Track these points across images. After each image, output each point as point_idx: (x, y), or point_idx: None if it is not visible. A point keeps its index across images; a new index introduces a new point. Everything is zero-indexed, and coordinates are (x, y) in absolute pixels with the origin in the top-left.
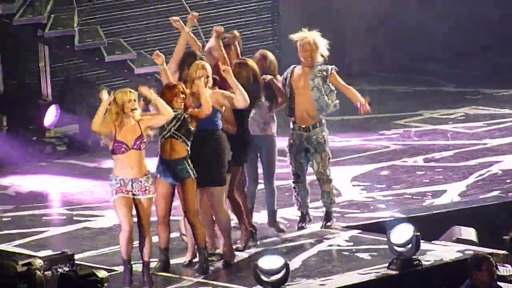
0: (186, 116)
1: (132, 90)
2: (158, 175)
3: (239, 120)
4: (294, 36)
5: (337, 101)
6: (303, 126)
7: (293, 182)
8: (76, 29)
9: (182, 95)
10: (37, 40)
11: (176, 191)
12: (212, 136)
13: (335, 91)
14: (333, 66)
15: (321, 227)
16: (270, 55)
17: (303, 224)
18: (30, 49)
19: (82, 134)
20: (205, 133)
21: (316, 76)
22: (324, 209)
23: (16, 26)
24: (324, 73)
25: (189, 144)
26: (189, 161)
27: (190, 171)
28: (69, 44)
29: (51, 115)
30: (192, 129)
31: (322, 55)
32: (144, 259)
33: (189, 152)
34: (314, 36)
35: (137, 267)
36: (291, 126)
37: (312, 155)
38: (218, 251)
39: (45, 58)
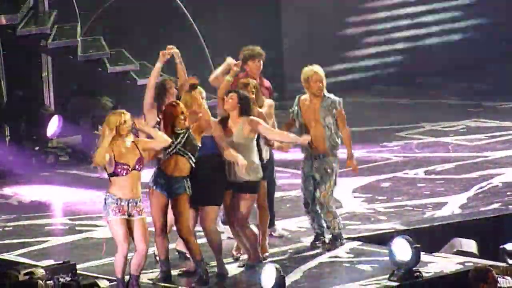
0: (190, 132)
1: (125, 112)
2: (154, 187)
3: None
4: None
5: (333, 165)
6: (315, 154)
7: (305, 211)
8: (79, 39)
9: (183, 115)
10: (41, 51)
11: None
12: (210, 159)
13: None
14: (341, 100)
15: (325, 249)
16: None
17: (318, 244)
18: (33, 60)
19: (84, 145)
20: (203, 158)
21: (328, 115)
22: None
23: (20, 37)
24: (334, 109)
25: (193, 161)
26: (188, 180)
27: (187, 188)
28: (72, 55)
29: (53, 126)
30: (197, 144)
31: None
32: (132, 272)
33: (191, 172)
34: (321, 70)
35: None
36: (304, 152)
37: (317, 183)
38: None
39: (48, 69)
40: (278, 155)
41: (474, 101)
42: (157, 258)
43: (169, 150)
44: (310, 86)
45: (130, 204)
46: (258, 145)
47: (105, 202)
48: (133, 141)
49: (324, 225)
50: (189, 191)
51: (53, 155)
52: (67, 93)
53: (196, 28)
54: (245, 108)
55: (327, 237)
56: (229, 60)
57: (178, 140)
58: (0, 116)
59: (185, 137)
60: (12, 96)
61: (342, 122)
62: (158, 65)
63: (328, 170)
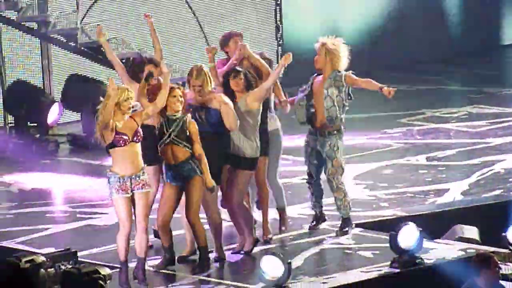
0: (184, 119)
1: (130, 89)
2: (168, 181)
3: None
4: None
5: (344, 115)
6: (320, 130)
7: (307, 181)
8: (79, 26)
9: (181, 99)
10: (41, 38)
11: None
12: (212, 137)
13: (347, 107)
14: (346, 73)
15: (336, 234)
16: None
17: (316, 224)
18: (34, 47)
19: (85, 132)
20: (206, 134)
21: (331, 86)
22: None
23: (20, 24)
24: (339, 82)
25: (190, 147)
26: (194, 159)
27: (196, 168)
28: (73, 42)
29: (54, 113)
30: (190, 136)
31: (337, 63)
32: (139, 255)
33: (191, 152)
34: (330, 42)
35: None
36: (310, 127)
37: (324, 160)
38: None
39: (48, 56)
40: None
41: (475, 87)
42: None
43: (164, 139)
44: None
45: (132, 180)
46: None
47: (108, 181)
48: (130, 116)
49: (323, 205)
50: (200, 171)
51: (54, 142)
52: (67, 80)
53: (195, 14)
54: (249, 85)
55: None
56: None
57: (172, 129)
58: (1, 103)
59: (179, 125)
60: (13, 84)
61: (358, 79)
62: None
63: (333, 146)
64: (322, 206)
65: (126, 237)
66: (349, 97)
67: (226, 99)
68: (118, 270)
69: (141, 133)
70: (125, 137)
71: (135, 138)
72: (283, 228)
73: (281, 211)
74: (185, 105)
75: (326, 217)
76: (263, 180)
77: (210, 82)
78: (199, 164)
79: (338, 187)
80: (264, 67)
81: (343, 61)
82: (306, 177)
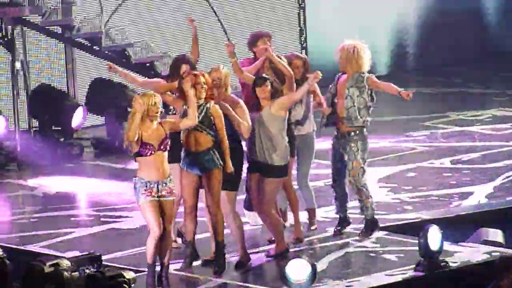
0: (208, 106)
1: (156, 94)
2: (185, 168)
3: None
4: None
5: (369, 119)
6: (342, 132)
7: (331, 185)
8: (103, 30)
9: (204, 86)
10: (65, 42)
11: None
12: (230, 143)
13: (371, 108)
14: (370, 75)
15: (359, 235)
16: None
17: (340, 228)
18: (58, 51)
19: (109, 136)
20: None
21: (353, 86)
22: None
23: (44, 28)
24: (361, 83)
25: (214, 135)
26: (216, 150)
27: (216, 160)
28: (97, 46)
29: (78, 117)
30: (217, 118)
31: (360, 65)
32: (164, 261)
33: (215, 142)
34: (354, 44)
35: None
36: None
37: (346, 163)
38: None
39: (72, 60)
40: None
41: (499, 90)
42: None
43: None
44: None
45: (159, 186)
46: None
47: (134, 187)
48: (159, 122)
49: (348, 206)
50: (220, 163)
51: (78, 146)
52: (91, 84)
53: (220, 20)
54: (275, 92)
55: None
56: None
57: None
58: (25, 107)
59: (203, 111)
60: (37, 88)
61: (380, 82)
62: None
63: (352, 148)
64: (346, 210)
65: (155, 241)
66: (372, 99)
67: (230, 108)
68: (143, 273)
69: (169, 142)
70: (150, 147)
71: (161, 147)
72: (312, 227)
73: (311, 211)
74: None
75: (350, 221)
76: (289, 182)
77: (228, 86)
78: (222, 148)
79: (359, 188)
80: (286, 70)
81: (366, 63)
82: (331, 180)
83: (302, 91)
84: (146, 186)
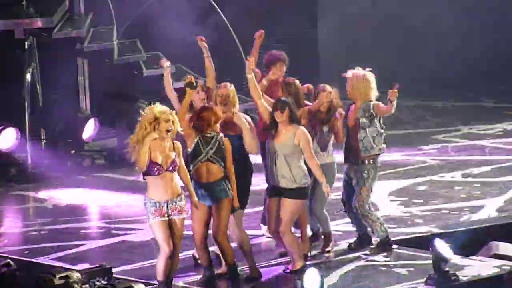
0: (220, 137)
1: (173, 112)
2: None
3: None
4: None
5: (384, 145)
6: (354, 159)
7: (344, 211)
8: (115, 42)
9: (217, 119)
10: (76, 54)
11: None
12: (237, 161)
13: (384, 134)
14: (374, 103)
15: (370, 250)
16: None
17: (354, 246)
18: (69, 63)
19: (120, 147)
20: (233, 159)
21: (363, 116)
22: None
23: (56, 40)
24: (369, 112)
25: (224, 166)
26: (227, 181)
27: (228, 190)
28: (108, 58)
29: (89, 129)
30: (227, 149)
31: (368, 94)
32: (159, 278)
33: (225, 173)
34: (360, 73)
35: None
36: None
37: (354, 187)
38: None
39: (84, 72)
40: None
41: (510, 104)
42: (198, 260)
43: (201, 157)
44: None
45: (169, 205)
46: None
47: (144, 206)
48: (173, 142)
49: (367, 227)
50: (230, 193)
51: (89, 158)
52: (103, 96)
53: (232, 31)
54: (293, 116)
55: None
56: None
57: (209, 147)
58: (36, 119)
59: (216, 143)
60: (48, 100)
61: (385, 108)
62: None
63: (364, 174)
64: (365, 227)
65: (165, 259)
66: (382, 127)
67: (245, 121)
68: (152, 286)
69: (178, 163)
70: (158, 167)
71: (170, 168)
72: (327, 254)
73: (328, 235)
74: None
75: (372, 239)
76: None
77: (236, 103)
78: (229, 182)
79: (364, 215)
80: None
81: (374, 91)
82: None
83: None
84: (156, 206)
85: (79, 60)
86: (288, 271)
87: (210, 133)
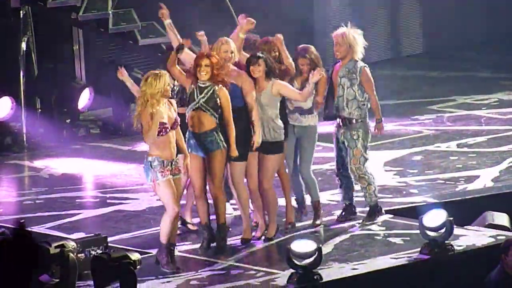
0: (216, 89)
1: (165, 72)
2: (190, 150)
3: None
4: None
5: (355, 113)
6: (343, 120)
7: (335, 174)
8: (110, 12)
9: (208, 67)
10: (71, 23)
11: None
12: (240, 113)
13: (363, 104)
14: (365, 65)
15: (363, 221)
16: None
17: (345, 215)
18: (64, 32)
19: (116, 117)
20: (234, 110)
21: (345, 76)
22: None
23: (50, 9)
24: (353, 75)
25: (217, 117)
26: (219, 132)
27: (219, 142)
28: (103, 28)
29: (85, 98)
30: (224, 101)
31: (355, 53)
32: (164, 241)
33: (218, 124)
34: (347, 31)
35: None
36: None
37: (347, 150)
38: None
39: (79, 41)
40: None
41: (506, 74)
42: (188, 225)
43: (192, 105)
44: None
45: (172, 165)
46: (282, 105)
47: (150, 166)
48: (169, 101)
49: (354, 196)
50: (223, 145)
51: (84, 127)
52: (98, 66)
53: (230, 5)
54: (271, 72)
55: (359, 210)
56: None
57: (202, 95)
58: (31, 89)
59: (209, 93)
60: (43, 69)
61: (368, 89)
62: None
63: (354, 136)
64: (352, 198)
65: (173, 220)
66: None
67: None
68: (148, 255)
69: (179, 120)
70: (166, 125)
71: (174, 126)
72: (317, 221)
73: (316, 203)
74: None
75: (356, 210)
76: (282, 167)
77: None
78: (228, 132)
79: (360, 176)
80: (287, 60)
81: (361, 50)
82: (335, 170)
83: (304, 95)
84: (163, 165)
85: (74, 30)
86: (264, 238)
87: (204, 83)
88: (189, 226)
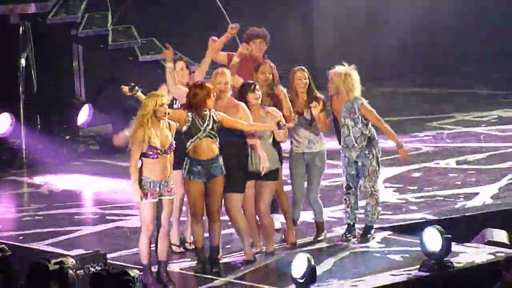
0: (213, 112)
1: (163, 94)
2: (191, 177)
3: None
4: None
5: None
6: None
7: (345, 193)
8: (110, 28)
9: (213, 97)
10: (71, 40)
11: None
12: (234, 146)
13: (370, 135)
14: (362, 101)
15: (357, 240)
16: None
17: (349, 236)
18: (64, 49)
19: (115, 134)
20: (227, 144)
21: (347, 116)
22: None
23: (50, 25)
24: (354, 114)
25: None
26: (221, 158)
27: (222, 167)
28: (103, 44)
29: (84, 115)
30: (223, 124)
31: (351, 92)
32: (162, 258)
33: (220, 150)
34: (344, 70)
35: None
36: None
37: (360, 168)
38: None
39: (78, 58)
40: None
41: (506, 91)
42: (185, 244)
43: (199, 134)
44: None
45: (161, 186)
46: None
47: (137, 185)
48: (169, 123)
49: (357, 216)
50: (223, 170)
51: (84, 144)
52: (97, 82)
53: (227, 17)
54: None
55: (357, 227)
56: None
57: (206, 123)
58: (30, 105)
59: (211, 118)
60: (43, 85)
61: (374, 122)
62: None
63: (369, 155)
64: (356, 217)
65: (149, 240)
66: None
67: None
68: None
69: (174, 145)
70: (157, 150)
71: (168, 150)
72: (319, 238)
73: (320, 224)
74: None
75: (357, 233)
76: (281, 188)
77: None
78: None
79: (372, 193)
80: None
81: (357, 88)
82: (344, 189)
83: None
84: (150, 186)
85: (74, 46)
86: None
87: (205, 110)
88: (187, 245)
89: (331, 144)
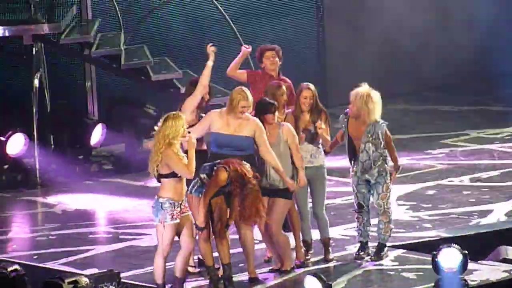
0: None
1: (182, 115)
2: (198, 194)
3: None
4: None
5: (385, 166)
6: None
7: (357, 212)
8: (122, 48)
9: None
10: (84, 59)
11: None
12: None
13: (388, 161)
14: (385, 127)
15: (370, 258)
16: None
17: (363, 254)
18: (77, 69)
19: (128, 153)
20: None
21: (369, 141)
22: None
23: (63, 45)
24: (377, 140)
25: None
26: None
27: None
28: (116, 63)
29: (97, 134)
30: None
31: (374, 114)
32: (180, 275)
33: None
34: (367, 92)
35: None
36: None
37: (373, 186)
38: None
39: (91, 77)
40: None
41: None
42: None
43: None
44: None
45: (181, 206)
46: None
47: (161, 207)
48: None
49: (370, 234)
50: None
51: (97, 163)
52: (110, 101)
53: (239, 36)
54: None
55: (371, 245)
56: (244, 49)
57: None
58: (44, 125)
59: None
60: (56, 105)
61: (389, 148)
62: (210, 63)
63: (382, 173)
64: (369, 235)
65: (165, 260)
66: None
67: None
68: None
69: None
70: None
71: None
72: (329, 257)
73: (327, 239)
74: None
75: (370, 251)
76: (293, 206)
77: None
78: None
79: (385, 210)
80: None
81: (378, 111)
82: (356, 207)
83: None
84: (174, 207)
85: (86, 66)
86: (275, 269)
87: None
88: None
89: (343, 162)
